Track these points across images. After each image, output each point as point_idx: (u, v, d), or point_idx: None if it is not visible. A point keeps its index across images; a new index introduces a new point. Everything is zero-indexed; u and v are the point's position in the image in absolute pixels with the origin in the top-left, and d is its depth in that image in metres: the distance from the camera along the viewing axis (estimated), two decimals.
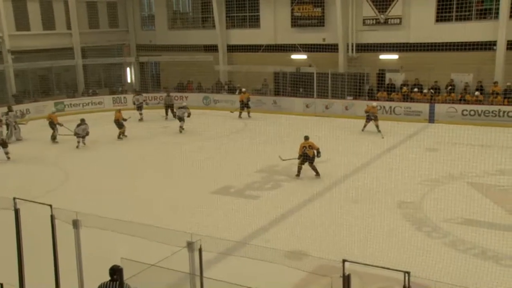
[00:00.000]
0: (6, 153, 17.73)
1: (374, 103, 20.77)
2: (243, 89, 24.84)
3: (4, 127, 19.32)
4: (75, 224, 6.63)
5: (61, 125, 20.15)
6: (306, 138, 14.71)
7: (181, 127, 20.97)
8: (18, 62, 26.10)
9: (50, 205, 6.84)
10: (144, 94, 26.63)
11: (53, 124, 20.16)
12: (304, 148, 14.47)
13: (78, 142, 18.90)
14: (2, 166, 17.09)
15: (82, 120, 19.09)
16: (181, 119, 21.02)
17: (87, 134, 18.94)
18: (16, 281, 7.31)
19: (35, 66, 26.70)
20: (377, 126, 19.45)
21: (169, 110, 24.46)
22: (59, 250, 7.11)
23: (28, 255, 7.43)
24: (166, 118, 24.29)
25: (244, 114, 24.14)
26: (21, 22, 26.49)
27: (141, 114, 24.06)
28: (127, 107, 26.23)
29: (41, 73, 27.99)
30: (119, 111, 20.95)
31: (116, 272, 6.24)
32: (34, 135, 20.84)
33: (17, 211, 7.13)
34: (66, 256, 6.99)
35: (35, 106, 25.15)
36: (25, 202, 7.21)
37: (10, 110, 20.86)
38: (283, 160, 15.27)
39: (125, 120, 20.59)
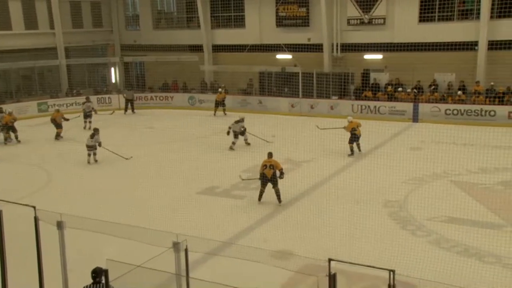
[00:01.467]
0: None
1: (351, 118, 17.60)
2: (220, 89, 25.16)
3: None
4: (59, 225, 6.57)
5: (67, 120, 20.45)
6: (270, 155, 12.69)
7: (233, 143, 18.05)
8: (0, 62, 25.76)
9: (34, 207, 6.77)
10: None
11: (56, 123, 20.11)
12: (264, 167, 12.36)
13: (89, 155, 16.81)
14: None
15: (96, 130, 17.01)
16: (238, 134, 18.12)
17: (100, 145, 16.83)
18: None
19: (17, 66, 26.36)
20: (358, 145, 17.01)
21: (130, 104, 25.75)
22: (44, 252, 7.03)
23: (12, 257, 7.34)
24: (125, 113, 25.55)
25: (220, 113, 24.49)
26: (3, 21, 26.14)
27: (90, 122, 21.92)
28: (112, 107, 26.12)
29: (23, 73, 27.64)
30: (58, 111, 20.87)
31: (98, 274, 6.29)
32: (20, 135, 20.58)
33: None
34: (50, 258, 6.92)
35: (17, 106, 24.80)
36: (7, 204, 7.12)
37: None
38: (243, 179, 13.72)
39: (66, 120, 20.50)
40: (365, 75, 24.44)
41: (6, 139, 19.89)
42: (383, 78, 24.18)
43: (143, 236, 6.40)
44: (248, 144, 18.37)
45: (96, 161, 16.86)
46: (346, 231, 10.48)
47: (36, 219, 6.78)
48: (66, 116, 20.95)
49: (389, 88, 23.48)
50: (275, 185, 12.36)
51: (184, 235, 6.12)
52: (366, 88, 24.00)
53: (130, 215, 11.37)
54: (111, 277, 5.43)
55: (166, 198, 13.01)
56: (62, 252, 6.68)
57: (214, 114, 24.58)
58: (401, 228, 10.93)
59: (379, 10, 23.78)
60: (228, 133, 18.03)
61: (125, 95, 26.34)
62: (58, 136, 20.27)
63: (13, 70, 26.67)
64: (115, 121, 23.20)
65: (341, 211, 11.63)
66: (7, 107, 22.02)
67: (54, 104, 25.86)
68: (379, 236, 10.32)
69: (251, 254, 6.13)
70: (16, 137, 19.98)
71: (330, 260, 5.29)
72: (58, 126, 20.27)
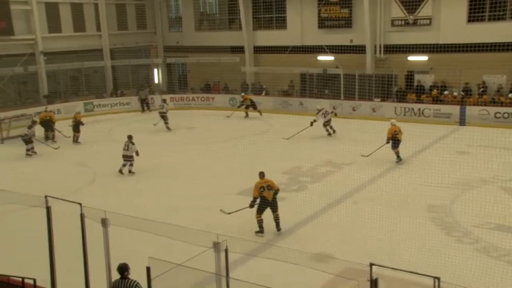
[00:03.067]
0: (27, 149, 18.35)
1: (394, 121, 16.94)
2: (242, 94, 25.31)
3: (34, 127, 19.59)
4: (104, 222, 6.70)
5: (82, 124, 20.49)
6: (262, 175, 11.07)
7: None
8: (49, 63, 26.67)
9: (80, 204, 6.93)
10: (171, 95, 27.12)
11: (77, 126, 20.39)
12: (261, 189, 10.73)
13: (124, 165, 15.66)
14: (31, 164, 17.49)
15: (130, 137, 15.91)
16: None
17: (137, 154, 15.55)
18: (48, 277, 7.43)
19: (65, 67, 27.24)
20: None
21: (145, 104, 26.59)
22: (88, 247, 7.20)
23: (59, 251, 7.54)
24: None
25: (256, 114, 24.33)
26: (53, 24, 27.07)
27: (166, 123, 22.17)
28: (154, 108, 26.56)
29: (71, 74, 28.53)
30: (79, 113, 21.24)
31: (124, 269, 6.59)
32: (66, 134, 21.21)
33: (48, 209, 7.24)
34: (95, 253, 7.07)
35: (65, 106, 25.61)
36: (56, 200, 7.32)
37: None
38: (228, 213, 11.21)
39: (82, 124, 20.46)
40: (409, 77, 23.91)
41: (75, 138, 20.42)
42: (428, 80, 23.60)
43: (183, 235, 6.44)
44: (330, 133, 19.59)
45: (132, 172, 15.72)
46: (388, 236, 10.26)
47: (82, 216, 6.94)
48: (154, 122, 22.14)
49: (435, 90, 22.88)
50: (275, 210, 10.78)
51: (224, 235, 6.13)
52: (409, 90, 23.50)
53: (170, 214, 11.52)
54: (153, 274, 5.49)
55: (206, 197, 13.10)
56: (106, 248, 6.81)
57: (246, 116, 24.54)
58: (446, 234, 10.61)
59: (425, 11, 23.22)
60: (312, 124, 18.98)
61: (139, 95, 26.91)
62: (77, 139, 20.39)
63: (61, 71, 27.56)
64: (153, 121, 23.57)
65: (383, 215, 11.39)
66: (56, 107, 22.84)
67: (99, 104, 26.62)
68: (422, 241, 10.04)
69: (290, 256, 6.08)
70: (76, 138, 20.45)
71: (371, 264, 5.19)
72: (78, 129, 20.38)
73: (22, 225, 11.19)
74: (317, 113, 19.74)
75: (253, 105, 24.46)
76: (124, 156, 15.64)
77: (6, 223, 11.75)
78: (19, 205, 8.02)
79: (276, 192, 10.90)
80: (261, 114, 24.20)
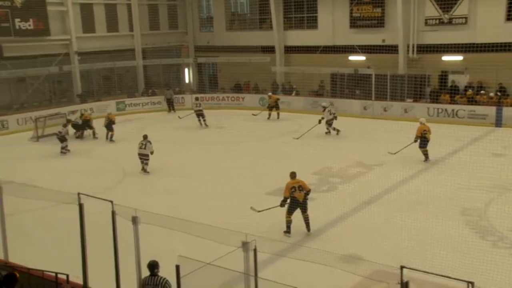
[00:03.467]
0: (62, 147, 18.82)
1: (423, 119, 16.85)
2: (269, 93, 25.06)
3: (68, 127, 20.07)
4: (134, 220, 6.77)
5: (114, 123, 20.92)
6: (293, 175, 11.03)
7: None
8: (83, 63, 27.23)
9: (111, 201, 7.03)
10: (201, 95, 27.30)
11: (110, 125, 20.79)
12: (293, 190, 10.69)
13: (143, 162, 15.90)
14: (65, 162, 17.89)
15: (145, 137, 16.10)
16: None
17: (152, 153, 15.80)
18: (80, 273, 7.57)
19: (98, 67, 27.75)
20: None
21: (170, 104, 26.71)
22: (119, 244, 7.30)
23: (91, 248, 7.67)
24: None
25: (274, 114, 24.15)
26: (88, 24, 27.64)
27: (204, 120, 22.76)
28: (185, 107, 26.82)
29: (104, 73, 29.06)
30: (111, 113, 21.70)
31: (154, 267, 6.75)
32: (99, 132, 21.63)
33: (81, 206, 7.37)
34: (125, 250, 7.16)
35: (98, 105, 26.11)
36: (88, 197, 7.44)
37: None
38: (258, 211, 11.20)
39: (114, 123, 20.87)
40: (443, 77, 23.43)
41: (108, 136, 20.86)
42: (462, 80, 23.09)
43: (212, 234, 6.46)
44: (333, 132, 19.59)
45: (147, 172, 15.82)
46: (419, 238, 10.08)
47: (113, 213, 7.04)
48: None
49: (470, 91, 22.35)
50: (305, 210, 10.76)
51: (252, 235, 6.12)
52: (443, 91, 23.03)
53: (199, 213, 11.57)
54: (182, 273, 5.53)
55: (235, 197, 13.13)
56: (137, 246, 6.88)
57: (268, 118, 24.00)
58: (480, 238, 10.35)
59: (460, 9, 22.72)
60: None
61: (165, 95, 27.17)
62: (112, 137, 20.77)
63: (94, 70, 28.10)
64: (185, 120, 23.76)
65: (414, 217, 11.17)
66: (89, 106, 23.29)
67: (131, 103, 27.03)
68: (455, 245, 9.81)
69: (319, 257, 6.03)
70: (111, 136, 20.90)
71: (402, 267, 5.10)
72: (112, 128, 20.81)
73: (56, 222, 11.45)
74: (323, 110, 19.98)
75: (276, 106, 24.07)
76: (140, 154, 15.84)
77: (40, 219, 12.05)
78: (53, 201, 8.19)
79: (307, 193, 10.86)
80: (278, 117, 23.92)
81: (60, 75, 26.97)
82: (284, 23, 28.39)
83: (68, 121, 20.49)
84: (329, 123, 19.72)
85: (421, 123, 16.22)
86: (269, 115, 24.12)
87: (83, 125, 21.42)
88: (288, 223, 10.80)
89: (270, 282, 5.89)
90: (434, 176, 14.11)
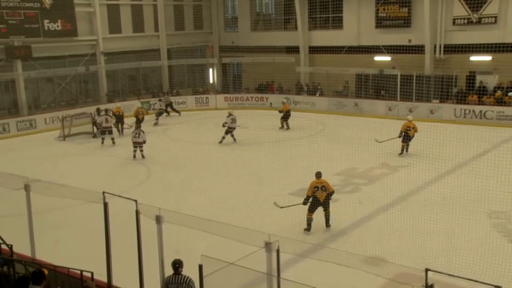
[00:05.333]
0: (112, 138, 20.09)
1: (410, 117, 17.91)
2: (284, 100, 23.13)
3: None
4: (158, 219, 6.82)
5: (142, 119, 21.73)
6: (318, 175, 11.25)
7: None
8: (109, 63, 27.62)
9: (135, 200, 7.10)
10: (225, 95, 27.33)
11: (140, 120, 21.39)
12: (316, 189, 10.98)
13: (135, 151, 17.84)
14: (91, 161, 18.17)
15: (138, 127, 18.45)
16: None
17: (144, 142, 17.77)
18: (104, 271, 7.67)
19: (124, 67, 28.12)
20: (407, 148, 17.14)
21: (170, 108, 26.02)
22: (143, 243, 7.37)
23: (115, 246, 7.76)
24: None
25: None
26: (114, 25, 28.02)
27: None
28: (209, 107, 26.96)
29: (129, 73, 29.43)
30: (142, 107, 23.25)
31: (179, 265, 6.81)
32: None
33: (105, 205, 7.46)
34: (148, 249, 7.23)
35: (123, 105, 26.33)
36: (113, 196, 7.53)
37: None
38: (281, 207, 11.47)
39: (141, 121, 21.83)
40: (471, 77, 23.00)
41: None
42: (491, 81, 22.61)
43: (235, 234, 6.47)
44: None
45: (144, 157, 17.75)
46: (445, 241, 9.91)
47: (137, 212, 7.10)
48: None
49: (498, 92, 21.88)
50: (326, 207, 11.05)
51: (275, 236, 6.10)
52: (471, 92, 22.61)
53: (222, 213, 11.61)
54: (205, 272, 5.54)
55: (258, 198, 13.12)
56: (160, 245, 6.93)
57: (282, 127, 22.16)
58: (509, 241, 10.12)
59: (490, 9, 22.25)
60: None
61: (163, 99, 25.95)
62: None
63: (120, 70, 28.48)
64: (209, 121, 23.86)
65: (440, 219, 11.01)
66: (115, 105, 23.58)
67: (155, 103, 27.26)
68: (482, 248, 9.63)
69: (343, 258, 5.98)
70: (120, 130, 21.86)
71: (427, 270, 5.03)
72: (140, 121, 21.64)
73: (81, 220, 11.63)
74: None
75: (286, 116, 22.08)
76: (135, 142, 17.77)
77: (66, 217, 12.26)
78: (78, 200, 8.32)
79: (330, 194, 11.05)
80: (288, 127, 22.01)
81: (86, 75, 27.43)
82: (309, 23, 28.28)
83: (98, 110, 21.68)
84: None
85: (408, 120, 17.30)
86: (282, 124, 22.12)
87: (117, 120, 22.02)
88: (309, 220, 10.99)
89: (292, 283, 5.86)
90: (461, 178, 13.84)
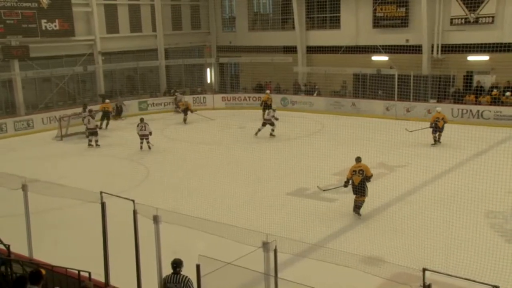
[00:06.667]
0: (96, 140, 19.85)
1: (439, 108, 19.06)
2: (267, 91, 25.02)
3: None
4: (155, 219, 6.82)
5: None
6: (358, 159, 11.98)
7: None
8: (107, 63, 27.58)
9: (133, 200, 7.09)
10: (223, 95, 27.30)
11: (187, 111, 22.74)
12: (353, 173, 11.71)
13: (142, 143, 18.82)
14: (89, 161, 18.14)
15: (142, 119, 19.16)
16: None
17: (150, 133, 18.76)
18: (102, 270, 7.66)
19: (122, 67, 28.09)
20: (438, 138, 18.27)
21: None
22: (140, 243, 7.36)
23: (113, 246, 7.76)
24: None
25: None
26: (111, 25, 27.98)
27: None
28: (206, 107, 26.95)
29: (127, 73, 29.39)
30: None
31: (178, 265, 6.80)
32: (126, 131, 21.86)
33: (103, 205, 7.46)
34: (146, 249, 7.23)
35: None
36: (110, 196, 7.53)
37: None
38: (323, 190, 12.58)
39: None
40: (468, 77, 23.05)
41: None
42: (488, 81, 22.66)
43: (232, 234, 6.47)
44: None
45: (151, 145, 18.65)
46: (442, 241, 9.95)
47: (135, 212, 7.10)
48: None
49: (495, 91, 21.93)
50: (357, 193, 11.58)
51: (273, 235, 6.11)
52: (468, 91, 22.65)
53: (220, 212, 11.61)
54: (202, 272, 5.54)
55: (256, 197, 13.13)
56: (157, 245, 6.93)
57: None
58: (506, 241, 10.15)
59: (487, 9, 22.29)
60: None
61: (117, 103, 25.94)
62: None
63: (118, 70, 28.45)
64: (206, 120, 23.85)
65: (437, 219, 11.04)
66: (112, 105, 23.55)
67: (153, 103, 27.28)
68: (479, 248, 9.65)
69: (341, 258, 5.98)
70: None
71: (424, 269, 5.03)
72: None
73: (79, 220, 11.62)
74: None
75: (268, 107, 22.30)
76: (141, 135, 18.68)
77: (64, 217, 12.24)
78: (76, 200, 8.31)
79: (366, 178, 11.58)
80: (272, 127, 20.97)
81: (84, 75, 27.38)
82: (306, 23, 28.29)
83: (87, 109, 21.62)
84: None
85: (437, 111, 18.14)
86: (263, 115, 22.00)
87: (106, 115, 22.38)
88: (357, 203, 11.68)
89: (290, 283, 5.87)
90: (458, 178, 13.85)
